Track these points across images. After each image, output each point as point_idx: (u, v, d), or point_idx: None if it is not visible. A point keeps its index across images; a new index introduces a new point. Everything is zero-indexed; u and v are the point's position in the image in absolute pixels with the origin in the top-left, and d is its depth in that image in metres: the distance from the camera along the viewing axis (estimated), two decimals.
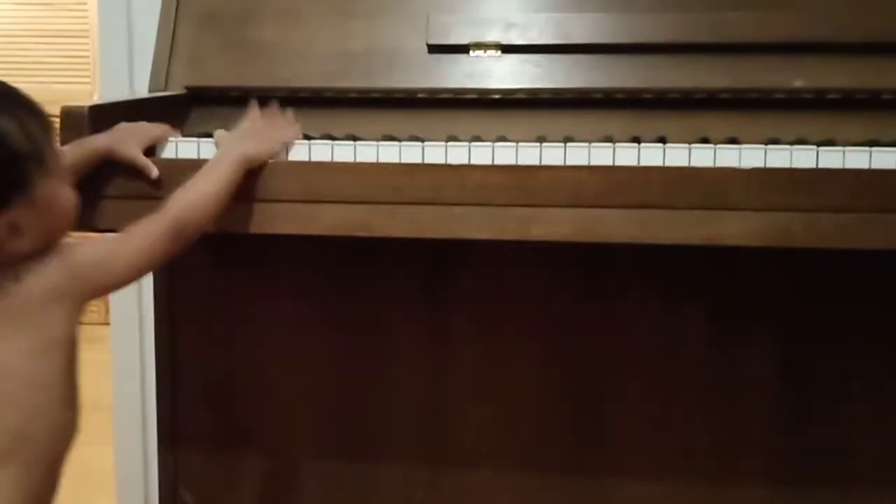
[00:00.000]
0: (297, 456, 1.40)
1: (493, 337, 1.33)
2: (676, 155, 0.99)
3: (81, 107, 1.00)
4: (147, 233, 0.94)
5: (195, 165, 0.99)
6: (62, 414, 0.93)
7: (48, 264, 0.89)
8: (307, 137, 1.09)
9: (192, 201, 0.95)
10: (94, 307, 3.77)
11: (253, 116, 1.08)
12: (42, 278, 0.88)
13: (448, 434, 1.36)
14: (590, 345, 1.31)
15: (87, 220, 1.02)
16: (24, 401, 0.89)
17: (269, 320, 1.36)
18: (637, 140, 1.05)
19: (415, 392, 1.36)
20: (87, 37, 3.73)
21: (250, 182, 0.99)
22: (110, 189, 1.04)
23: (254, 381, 1.38)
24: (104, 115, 1.04)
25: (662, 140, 1.06)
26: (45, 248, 0.89)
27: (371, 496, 1.39)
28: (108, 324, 3.62)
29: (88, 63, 3.72)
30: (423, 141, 1.04)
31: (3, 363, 0.88)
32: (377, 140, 1.06)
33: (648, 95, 1.20)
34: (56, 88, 3.74)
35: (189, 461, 1.40)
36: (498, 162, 0.99)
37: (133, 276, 0.96)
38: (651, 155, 0.99)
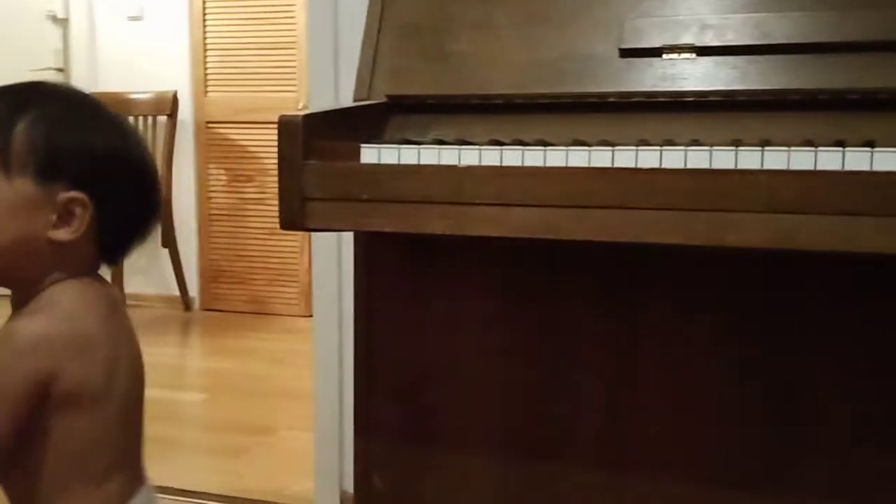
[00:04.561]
0: (478, 451, 1.44)
1: (678, 343, 1.30)
2: (886, 159, 0.93)
3: (297, 116, 1.10)
4: None
5: (395, 170, 1.05)
6: None
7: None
8: (499, 143, 1.13)
9: None
10: (295, 300, 4.04)
11: None
12: None
13: (627, 439, 1.35)
14: (782, 357, 1.26)
15: (296, 222, 1.11)
16: None
17: (458, 318, 1.40)
18: (841, 144, 1.00)
19: (596, 395, 1.36)
20: (294, 48, 3.99)
21: (446, 186, 1.04)
22: (316, 191, 1.11)
23: (441, 376, 1.43)
24: (316, 124, 1.12)
25: (870, 144, 1.00)
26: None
27: (547, 495, 1.40)
28: (307, 316, 3.88)
29: (295, 73, 3.98)
30: (613, 145, 1.04)
31: None
32: (567, 145, 1.08)
33: (854, 96, 1.14)
34: (265, 96, 4.04)
35: (381, 449, 1.47)
36: (690, 166, 0.98)
37: None
38: (857, 159, 0.94)
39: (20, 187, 0.86)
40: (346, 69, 1.71)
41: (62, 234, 0.87)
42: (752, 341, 1.27)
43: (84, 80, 4.20)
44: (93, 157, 0.89)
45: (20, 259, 0.87)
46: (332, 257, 1.85)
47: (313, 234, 1.87)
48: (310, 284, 3.94)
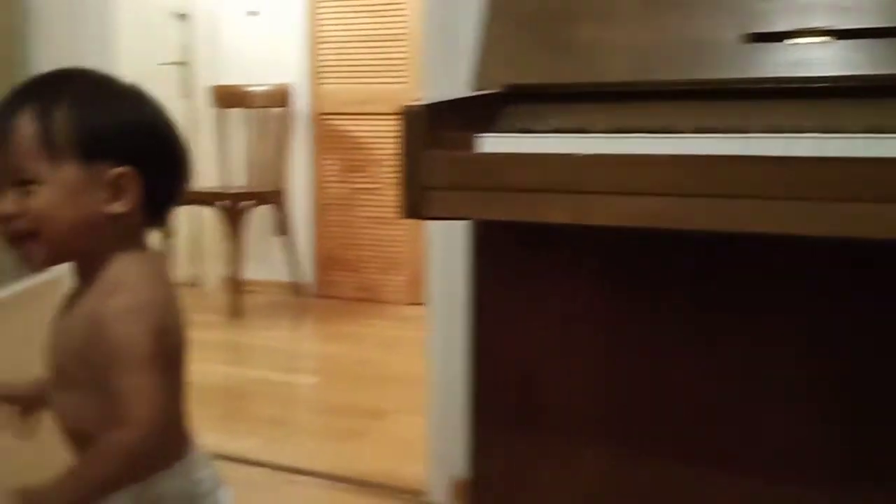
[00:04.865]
0: (589, 441, 1.43)
1: (769, 341, 1.26)
2: None
3: (419, 106, 1.11)
4: None
5: (516, 160, 1.05)
6: None
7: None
8: (619, 132, 1.12)
9: None
10: (403, 288, 4.10)
11: None
12: None
13: (734, 435, 1.32)
14: (871, 356, 1.20)
15: (416, 211, 1.12)
16: None
17: (572, 309, 1.39)
18: None
19: (705, 390, 1.33)
20: (404, 40, 4.03)
21: (568, 175, 1.03)
22: (436, 181, 1.12)
23: (553, 366, 1.43)
24: (436, 114, 1.13)
25: None
26: None
27: (656, 489, 1.39)
28: (415, 304, 3.94)
29: (405, 64, 4.03)
30: (742, 133, 1.02)
31: None
32: (691, 133, 1.05)
33: None
34: (376, 88, 4.10)
35: (493, 436, 1.48)
36: (825, 154, 0.94)
37: None
38: None
39: (70, 172, 0.92)
40: (459, 59, 1.72)
41: (117, 208, 0.94)
42: (853, 341, 1.22)
43: (206, 74, 4.37)
44: (128, 132, 0.95)
45: (85, 236, 0.94)
46: (446, 246, 1.87)
47: (429, 222, 1.90)
48: (417, 273, 4.00)
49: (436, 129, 1.14)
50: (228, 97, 4.27)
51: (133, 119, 0.97)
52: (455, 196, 1.09)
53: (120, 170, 0.93)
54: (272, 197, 4.15)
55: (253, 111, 4.25)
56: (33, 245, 0.93)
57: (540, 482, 1.47)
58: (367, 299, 4.21)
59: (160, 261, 1.01)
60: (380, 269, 4.22)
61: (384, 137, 4.09)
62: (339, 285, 4.31)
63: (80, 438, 0.98)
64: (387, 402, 2.72)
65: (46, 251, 0.94)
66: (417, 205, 1.12)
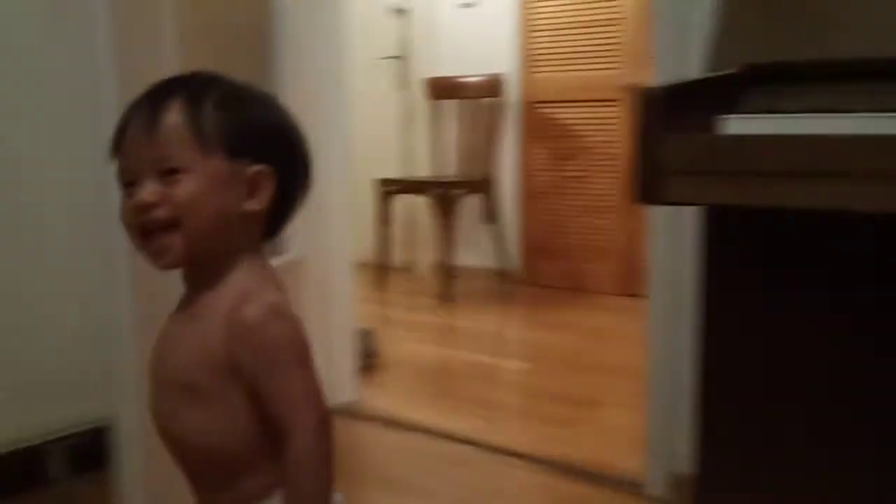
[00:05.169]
0: (823, 450, 1.34)
1: None
2: None
3: (658, 88, 1.08)
4: None
5: (762, 142, 1.00)
6: None
7: None
8: (875, 111, 1.03)
9: None
10: (609, 278, 4.03)
11: None
12: None
13: None
14: None
15: (653, 196, 1.09)
16: None
17: (813, 305, 1.31)
18: None
19: None
20: (617, 25, 3.96)
21: (824, 158, 0.96)
22: (676, 165, 1.08)
23: (790, 366, 1.35)
24: (674, 96, 1.10)
25: None
26: None
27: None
28: (621, 294, 3.88)
29: (618, 50, 3.95)
30: None
31: None
32: None
33: None
34: (587, 75, 4.06)
35: (723, 435, 1.42)
36: None
37: None
38: None
39: (216, 164, 0.91)
40: (690, 41, 1.66)
41: (253, 205, 0.93)
42: None
43: (423, 66, 4.52)
44: (267, 133, 0.96)
45: (220, 229, 0.92)
46: (669, 235, 1.82)
47: (652, 212, 1.85)
48: (625, 263, 3.93)
49: (673, 112, 1.10)
50: (442, 88, 4.39)
51: (270, 121, 0.98)
52: (697, 181, 1.05)
53: (260, 167, 0.94)
54: (482, 185, 4.22)
55: (465, 101, 4.34)
56: (171, 237, 0.90)
57: (770, 486, 1.40)
58: (574, 288, 4.19)
59: (272, 267, 1.00)
60: (587, 258, 4.18)
61: (594, 125, 4.04)
62: (546, 273, 4.32)
63: (201, 455, 0.95)
64: (599, 392, 2.70)
65: (185, 244, 0.91)
66: (653, 190, 1.09)
